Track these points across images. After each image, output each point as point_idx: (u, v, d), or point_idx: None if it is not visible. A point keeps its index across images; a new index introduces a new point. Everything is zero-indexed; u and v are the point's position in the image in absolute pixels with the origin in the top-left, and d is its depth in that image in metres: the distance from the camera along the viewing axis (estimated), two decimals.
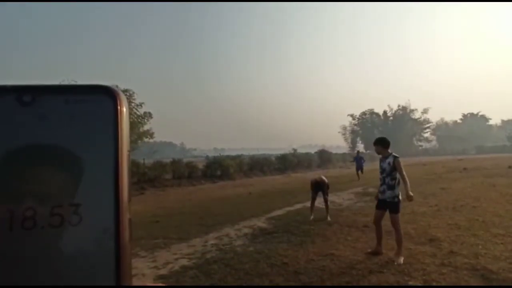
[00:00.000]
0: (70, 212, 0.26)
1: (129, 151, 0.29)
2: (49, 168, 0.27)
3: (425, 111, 60.05)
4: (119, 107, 0.28)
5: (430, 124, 63.37)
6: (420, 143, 64.67)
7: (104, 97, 0.28)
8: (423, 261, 3.86)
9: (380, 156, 4.24)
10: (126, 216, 0.27)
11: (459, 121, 76.58)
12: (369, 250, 4.31)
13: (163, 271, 3.95)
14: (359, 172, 15.72)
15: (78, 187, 0.27)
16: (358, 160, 16.22)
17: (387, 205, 4.10)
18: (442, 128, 74.96)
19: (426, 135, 64.86)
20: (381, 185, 4.16)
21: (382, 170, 4.14)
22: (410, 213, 6.44)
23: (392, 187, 4.06)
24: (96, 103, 0.28)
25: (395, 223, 4.03)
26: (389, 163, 4.08)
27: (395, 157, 4.09)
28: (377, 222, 4.25)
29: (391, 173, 4.05)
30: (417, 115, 60.75)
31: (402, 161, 4.19)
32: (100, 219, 0.27)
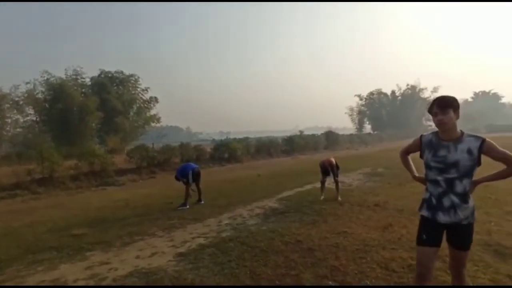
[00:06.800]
0: None
1: None
2: None
3: (435, 90, 58.68)
4: None
5: None
6: (429, 123, 63.69)
7: None
8: None
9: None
10: None
11: (470, 99, 74.70)
12: None
13: (181, 249, 4.09)
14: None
15: None
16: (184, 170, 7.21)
17: None
18: None
19: None
20: None
21: None
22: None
23: None
24: None
25: None
26: None
27: None
28: None
29: None
30: (426, 94, 59.57)
31: (409, 142, 3.54)
32: None
